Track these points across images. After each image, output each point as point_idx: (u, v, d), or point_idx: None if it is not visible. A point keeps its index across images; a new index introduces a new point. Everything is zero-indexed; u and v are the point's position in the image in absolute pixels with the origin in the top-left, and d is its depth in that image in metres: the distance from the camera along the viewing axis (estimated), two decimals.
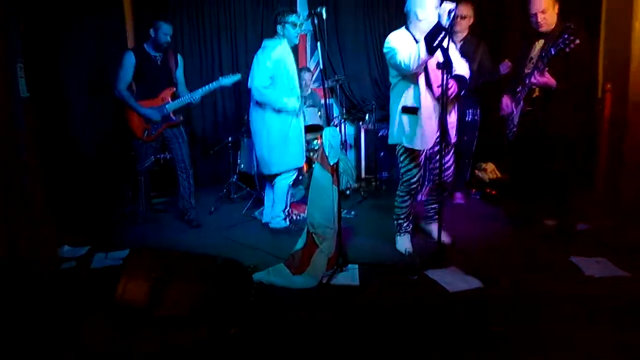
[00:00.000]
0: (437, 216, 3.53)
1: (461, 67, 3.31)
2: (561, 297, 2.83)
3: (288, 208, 4.22)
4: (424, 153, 3.37)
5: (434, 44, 2.91)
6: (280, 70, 3.87)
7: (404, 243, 3.62)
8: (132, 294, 2.55)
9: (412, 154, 3.34)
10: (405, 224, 3.64)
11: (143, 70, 4.14)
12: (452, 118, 3.36)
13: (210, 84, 4.27)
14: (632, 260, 3.22)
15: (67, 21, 4.29)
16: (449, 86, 3.06)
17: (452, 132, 3.38)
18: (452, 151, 3.47)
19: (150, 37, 4.15)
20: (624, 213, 3.71)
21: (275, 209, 4.20)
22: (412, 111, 3.25)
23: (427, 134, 3.24)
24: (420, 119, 3.21)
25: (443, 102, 3.07)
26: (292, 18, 3.86)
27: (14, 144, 3.05)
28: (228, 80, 4.28)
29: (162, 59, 4.23)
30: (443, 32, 2.88)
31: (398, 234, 3.67)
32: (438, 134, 3.24)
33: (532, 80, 3.53)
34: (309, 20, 3.28)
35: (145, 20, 5.33)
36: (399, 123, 3.34)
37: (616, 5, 3.70)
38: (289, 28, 3.86)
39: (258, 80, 3.84)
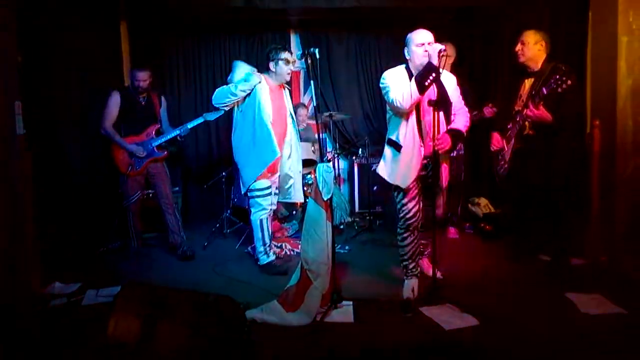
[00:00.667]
0: (427, 251, 3.58)
1: (460, 119, 3.30)
2: (557, 334, 2.81)
3: (268, 243, 4.06)
4: (417, 188, 3.31)
5: (425, 83, 2.96)
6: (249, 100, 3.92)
7: (408, 289, 3.41)
8: (123, 331, 2.50)
9: (408, 188, 3.30)
10: (411, 266, 3.45)
11: (128, 109, 4.33)
12: (445, 162, 3.38)
13: (195, 120, 4.46)
14: (627, 295, 3.21)
15: (64, 58, 4.37)
16: (442, 142, 3.09)
17: (446, 174, 3.41)
18: (442, 192, 3.47)
19: (131, 81, 4.39)
20: (618, 247, 3.72)
21: (256, 245, 4.11)
22: (395, 146, 3.27)
23: (405, 172, 3.22)
24: (400, 156, 3.23)
25: (434, 149, 3.11)
26: (284, 55, 3.90)
27: (9, 181, 3.05)
28: (211, 115, 4.45)
29: (146, 99, 4.42)
30: (434, 72, 2.94)
31: (405, 277, 3.50)
32: (417, 173, 3.24)
33: (528, 113, 3.56)
34: (303, 60, 3.34)
35: (141, 61, 5.43)
36: (384, 156, 3.38)
37: (602, 45, 3.80)
38: (281, 64, 3.89)
39: (216, 92, 3.94)
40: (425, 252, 3.68)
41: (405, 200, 3.31)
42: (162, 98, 4.58)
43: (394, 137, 3.27)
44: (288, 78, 4.01)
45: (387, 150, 3.35)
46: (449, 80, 3.26)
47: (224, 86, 3.92)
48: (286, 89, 4.18)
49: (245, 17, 5.68)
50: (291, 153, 4.14)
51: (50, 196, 4.03)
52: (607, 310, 3.06)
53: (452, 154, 4.42)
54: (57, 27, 4.26)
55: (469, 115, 3.38)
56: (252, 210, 4.07)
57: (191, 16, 5.72)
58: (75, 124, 4.54)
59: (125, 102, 4.30)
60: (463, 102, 3.38)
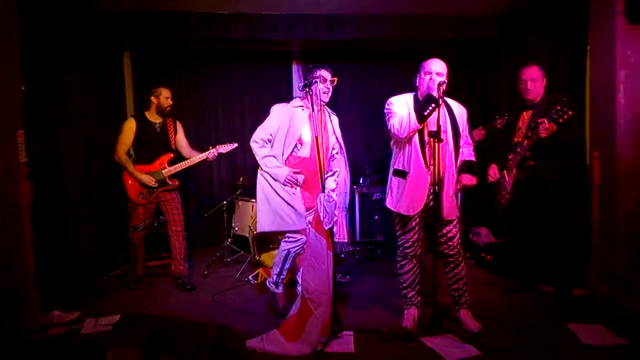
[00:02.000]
0: (463, 299, 3.33)
1: (466, 150, 3.35)
2: None
3: (283, 275, 3.72)
4: (418, 218, 3.29)
5: (424, 114, 3.00)
6: (279, 129, 3.54)
7: (408, 318, 3.36)
8: None
9: (404, 218, 3.28)
10: (410, 295, 3.40)
11: (143, 137, 4.27)
12: (450, 192, 3.23)
13: (209, 153, 4.38)
14: (629, 327, 3.20)
15: (67, 88, 4.45)
16: (465, 180, 3.19)
17: (451, 205, 3.24)
18: (453, 223, 3.28)
19: (151, 104, 4.31)
20: (619, 279, 3.71)
21: (272, 269, 3.79)
22: (401, 175, 3.24)
23: (413, 200, 3.17)
24: (407, 184, 3.18)
25: (434, 173, 3.07)
26: (319, 72, 3.52)
27: (9, 209, 3.07)
28: (225, 148, 4.45)
29: (161, 126, 4.37)
30: (433, 104, 2.98)
31: (405, 306, 3.45)
32: (427, 202, 3.19)
33: (541, 127, 3.49)
34: (304, 92, 3.38)
35: (144, 88, 5.53)
36: (390, 186, 3.35)
37: (600, 78, 3.86)
38: (318, 83, 3.45)
39: (258, 132, 3.58)
40: (462, 301, 3.36)
41: (405, 229, 3.31)
42: (178, 123, 4.52)
43: (399, 167, 3.26)
44: (325, 99, 3.55)
45: (394, 180, 3.30)
46: (461, 112, 3.32)
47: (266, 136, 3.54)
48: (332, 115, 3.75)
49: (248, 48, 5.79)
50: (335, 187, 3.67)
51: (50, 224, 4.04)
52: (609, 342, 3.04)
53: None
54: (60, 58, 4.33)
55: (473, 150, 3.41)
56: (285, 239, 3.65)
57: (194, 47, 5.82)
58: (77, 153, 4.57)
59: (140, 129, 4.26)
60: (468, 135, 3.42)
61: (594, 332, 3.17)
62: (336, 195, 3.55)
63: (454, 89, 4.64)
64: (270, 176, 3.51)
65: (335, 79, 3.56)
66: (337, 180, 3.67)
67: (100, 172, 4.76)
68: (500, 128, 4.32)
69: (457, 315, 3.36)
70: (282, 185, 3.50)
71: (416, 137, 3.16)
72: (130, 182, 4.26)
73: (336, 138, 3.68)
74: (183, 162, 4.38)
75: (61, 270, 4.07)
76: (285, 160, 3.52)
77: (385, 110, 3.27)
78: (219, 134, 6.17)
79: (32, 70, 3.85)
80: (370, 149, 6.45)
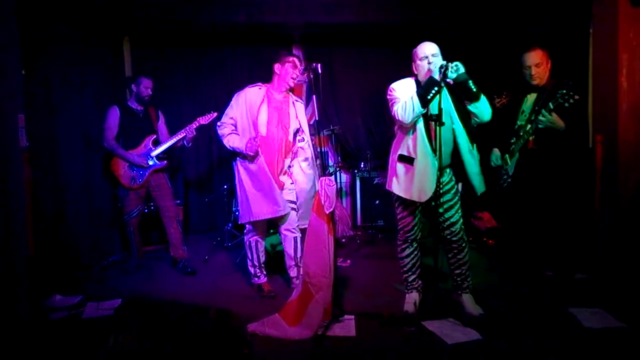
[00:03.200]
0: (465, 284, 3.32)
1: None
2: (560, 349, 2.79)
3: (257, 265, 3.83)
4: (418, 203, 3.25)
5: (428, 97, 2.94)
6: (245, 111, 3.69)
7: (409, 302, 3.37)
8: (124, 346, 2.50)
9: (405, 202, 3.25)
10: (410, 279, 3.40)
11: (127, 123, 4.37)
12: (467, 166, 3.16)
13: (190, 126, 4.43)
14: (630, 310, 3.20)
15: (66, 72, 4.42)
16: None
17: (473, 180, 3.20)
18: (455, 208, 3.24)
19: (132, 92, 4.43)
20: (620, 262, 3.70)
21: (247, 263, 3.92)
22: (408, 161, 3.17)
23: (422, 186, 3.09)
24: (414, 170, 3.12)
25: (439, 157, 3.01)
26: (292, 58, 3.71)
27: (9, 194, 3.05)
28: (205, 118, 4.49)
29: (144, 112, 4.47)
30: (436, 86, 2.93)
31: (405, 290, 3.45)
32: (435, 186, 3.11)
33: (540, 117, 3.54)
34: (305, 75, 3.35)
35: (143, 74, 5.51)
36: (395, 171, 3.27)
37: (603, 62, 3.83)
38: (288, 67, 3.67)
39: (222, 117, 3.78)
40: (464, 285, 3.34)
41: (405, 213, 3.29)
42: (159, 112, 4.62)
43: (405, 152, 3.18)
44: (292, 84, 3.72)
45: (399, 167, 3.21)
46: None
47: (228, 120, 3.75)
48: (297, 102, 3.86)
49: (248, 31, 5.73)
50: (294, 179, 3.80)
51: (51, 209, 4.03)
52: (610, 325, 3.05)
53: None
54: (60, 42, 4.31)
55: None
56: (245, 231, 3.87)
57: (193, 31, 5.77)
58: (77, 138, 4.56)
59: (124, 116, 4.35)
60: None
61: (595, 316, 3.17)
62: (304, 184, 3.75)
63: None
64: (236, 152, 3.69)
65: (302, 68, 3.69)
66: (305, 169, 3.79)
67: (98, 157, 4.75)
68: (499, 107, 4.25)
69: (459, 300, 3.35)
70: (250, 168, 3.65)
71: (421, 123, 3.10)
72: (120, 168, 4.33)
73: (300, 125, 3.80)
74: (168, 141, 4.45)
75: (62, 255, 4.08)
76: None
77: (387, 97, 3.21)
78: (219, 118, 6.12)
79: (32, 55, 3.83)
80: (371, 133, 6.41)
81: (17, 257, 3.13)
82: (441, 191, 3.15)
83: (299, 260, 3.78)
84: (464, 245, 3.28)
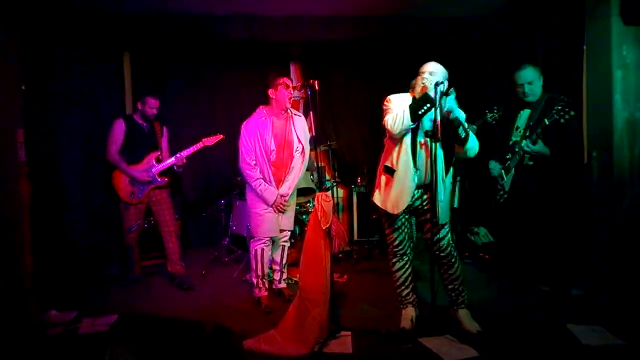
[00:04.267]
0: (460, 299, 3.32)
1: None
2: None
3: (261, 276, 3.89)
4: (403, 218, 3.28)
5: (419, 112, 2.97)
6: (258, 144, 3.80)
7: (405, 318, 3.35)
8: None
9: (390, 216, 3.29)
10: (404, 293, 3.39)
11: (131, 137, 4.36)
12: (440, 196, 3.15)
13: (195, 146, 4.50)
14: (628, 327, 3.20)
15: (67, 87, 4.45)
16: None
17: (443, 210, 3.18)
18: (443, 226, 3.23)
19: (138, 109, 4.42)
20: (617, 278, 3.71)
21: (251, 275, 4.01)
22: (389, 172, 3.23)
23: (398, 199, 3.16)
24: (394, 182, 3.17)
25: (425, 176, 3.10)
26: (282, 79, 3.76)
27: (7, 209, 3.06)
28: (210, 140, 4.56)
29: (149, 127, 4.47)
30: (429, 104, 2.96)
31: (400, 305, 3.43)
32: (413, 202, 3.19)
33: (525, 148, 3.61)
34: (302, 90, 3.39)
35: (142, 91, 5.54)
36: (378, 181, 3.36)
37: (597, 78, 3.87)
38: (281, 89, 3.74)
39: (242, 159, 3.84)
40: (459, 301, 3.34)
41: (390, 230, 3.34)
42: (165, 128, 4.62)
43: (389, 164, 3.24)
44: (289, 104, 3.83)
45: (382, 177, 3.31)
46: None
47: (252, 159, 3.82)
48: (295, 115, 3.96)
49: (248, 47, 5.77)
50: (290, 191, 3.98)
51: (48, 223, 4.03)
52: (608, 342, 3.04)
53: None
54: (60, 57, 4.36)
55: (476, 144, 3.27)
56: (253, 239, 3.97)
57: (193, 48, 5.81)
58: (76, 152, 4.58)
59: (129, 129, 4.35)
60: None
61: (593, 333, 3.16)
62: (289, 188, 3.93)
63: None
64: (258, 196, 3.84)
65: (296, 86, 3.83)
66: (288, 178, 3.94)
67: (98, 171, 4.76)
68: (491, 122, 4.25)
69: (456, 316, 3.34)
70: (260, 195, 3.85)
71: (408, 137, 3.14)
72: (120, 182, 4.33)
73: (297, 139, 3.92)
74: (167, 161, 4.45)
75: (59, 270, 4.06)
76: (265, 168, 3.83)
77: (382, 106, 3.26)
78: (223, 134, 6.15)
79: (33, 70, 3.86)
80: (367, 147, 6.44)
81: (15, 273, 3.13)
82: (425, 207, 3.20)
83: (284, 266, 4.14)
84: (453, 260, 3.28)
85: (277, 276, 4.15)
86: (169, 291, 4.34)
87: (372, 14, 4.99)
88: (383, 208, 3.27)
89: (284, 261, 4.15)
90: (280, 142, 3.87)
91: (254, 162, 3.81)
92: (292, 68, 6.39)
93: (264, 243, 3.91)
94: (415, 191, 3.17)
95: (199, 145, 4.49)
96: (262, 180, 3.82)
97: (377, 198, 3.34)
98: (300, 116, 4.01)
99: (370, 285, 4.42)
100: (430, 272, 3.17)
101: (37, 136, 3.83)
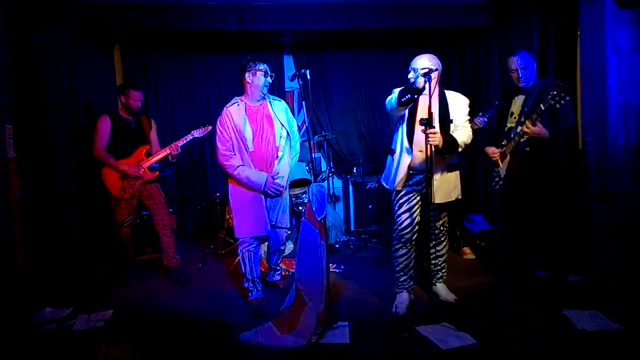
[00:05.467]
0: (440, 274, 3.65)
1: (459, 133, 3.31)
2: (554, 352, 2.79)
3: (251, 279, 3.69)
4: (414, 200, 3.39)
5: (402, 99, 3.09)
6: (234, 133, 3.57)
7: (399, 303, 3.44)
8: (115, 358, 2.48)
9: (401, 198, 3.39)
10: (402, 279, 3.47)
11: (118, 133, 4.29)
12: (437, 177, 3.34)
13: (185, 138, 4.39)
14: (624, 311, 3.20)
15: (57, 80, 4.39)
16: (433, 135, 3.08)
17: (442, 190, 3.36)
18: (441, 207, 3.45)
19: (122, 103, 4.36)
20: (613, 263, 3.71)
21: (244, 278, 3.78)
22: (391, 153, 3.49)
23: (394, 176, 3.39)
24: (395, 161, 3.40)
25: (427, 157, 3.14)
26: (262, 65, 3.58)
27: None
28: (199, 133, 4.46)
29: (135, 122, 4.40)
30: (410, 93, 3.06)
31: (396, 290, 3.52)
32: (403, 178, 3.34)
33: (525, 129, 3.55)
34: (295, 80, 3.35)
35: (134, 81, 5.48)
36: (385, 163, 3.57)
37: (590, 63, 3.84)
38: (259, 75, 3.55)
39: (220, 150, 3.59)
40: (438, 275, 3.68)
41: (400, 211, 3.41)
42: (152, 121, 4.56)
43: (392, 145, 3.49)
44: (265, 91, 3.63)
45: (388, 159, 3.54)
46: (460, 101, 3.40)
47: (230, 151, 3.57)
48: (274, 101, 3.74)
49: (239, 38, 5.72)
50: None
51: (41, 219, 4.00)
52: (604, 327, 3.05)
53: None
54: (50, 50, 4.28)
55: (470, 138, 3.39)
56: (239, 241, 3.72)
57: (184, 39, 5.76)
58: (68, 147, 4.53)
59: (115, 125, 4.28)
60: (469, 124, 3.44)
61: (589, 318, 3.17)
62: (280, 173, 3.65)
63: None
64: (247, 185, 3.55)
65: (273, 74, 3.70)
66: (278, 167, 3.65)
67: (90, 165, 4.71)
68: (480, 126, 4.28)
69: (435, 289, 3.65)
70: (243, 190, 3.60)
71: (405, 122, 3.36)
72: (110, 178, 4.27)
73: (280, 124, 3.67)
74: (161, 151, 4.38)
75: (53, 266, 4.04)
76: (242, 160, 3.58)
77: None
78: (212, 124, 6.10)
79: (21, 64, 3.80)
80: (363, 138, 6.43)
81: (6, 270, 3.10)
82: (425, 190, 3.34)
83: (277, 265, 4.11)
84: (442, 238, 3.59)
85: (270, 272, 4.11)
86: (164, 285, 4.32)
87: (364, 1, 4.93)
88: (387, 186, 3.50)
89: (279, 261, 4.10)
90: (255, 132, 3.60)
91: (232, 152, 3.56)
92: (285, 57, 6.35)
93: (250, 245, 3.66)
94: (419, 176, 3.37)
95: (188, 137, 4.40)
96: (244, 167, 3.53)
97: (385, 178, 3.56)
98: (279, 101, 3.78)
99: (367, 275, 4.41)
100: (427, 257, 3.22)
101: (30, 133, 3.78)
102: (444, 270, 3.67)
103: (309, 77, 3.20)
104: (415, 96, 3.11)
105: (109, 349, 2.45)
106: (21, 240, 3.29)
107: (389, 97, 3.36)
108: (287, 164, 3.70)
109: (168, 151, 4.34)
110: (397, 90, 3.31)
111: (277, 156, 3.66)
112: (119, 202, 4.29)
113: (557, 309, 3.32)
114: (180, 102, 6.13)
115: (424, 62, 3.26)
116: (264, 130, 3.63)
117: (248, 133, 3.58)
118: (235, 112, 3.60)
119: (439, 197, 3.35)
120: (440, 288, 3.67)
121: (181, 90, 6.16)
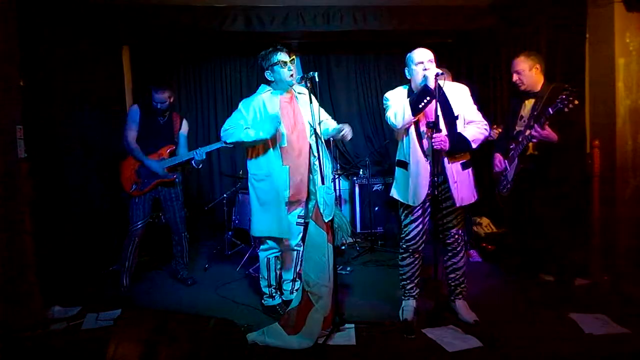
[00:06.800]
0: (459, 289, 3.35)
1: (471, 128, 3.18)
2: (561, 355, 2.78)
3: (274, 285, 3.61)
4: (421, 209, 3.24)
5: (419, 106, 2.99)
6: (255, 117, 3.38)
7: (405, 310, 3.36)
8: (123, 356, 2.49)
9: (407, 208, 3.28)
10: (408, 286, 3.40)
11: (146, 126, 4.16)
12: (456, 179, 3.17)
13: (213, 144, 4.20)
14: (631, 315, 3.19)
15: (66, 82, 4.42)
16: (439, 140, 3.02)
17: (462, 193, 3.18)
18: (454, 213, 3.25)
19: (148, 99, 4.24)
20: (621, 267, 3.70)
21: (260, 284, 3.66)
22: (403, 165, 3.26)
23: (416, 190, 3.15)
24: (409, 174, 3.19)
25: (432, 160, 3.09)
26: (277, 56, 3.37)
27: (10, 206, 3.07)
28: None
29: (165, 119, 4.26)
30: (429, 96, 2.97)
31: (402, 297, 3.45)
32: (427, 190, 3.15)
33: (533, 133, 3.53)
34: (303, 83, 3.35)
35: (143, 85, 5.51)
36: (396, 179, 3.36)
37: (599, 67, 3.84)
38: (278, 69, 3.37)
39: (226, 123, 3.43)
40: (457, 291, 3.38)
41: (408, 221, 3.30)
42: (184, 121, 4.42)
43: (401, 157, 3.28)
44: (292, 82, 3.41)
45: (397, 171, 3.34)
46: (459, 91, 3.22)
47: (237, 123, 3.37)
48: (300, 94, 3.55)
49: (246, 40, 5.74)
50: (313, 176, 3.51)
51: (51, 219, 4.02)
52: (611, 331, 3.03)
53: None
54: (59, 52, 4.31)
55: (486, 128, 3.23)
56: (261, 246, 3.64)
57: (192, 41, 5.78)
58: (77, 148, 4.55)
59: (144, 117, 4.15)
60: (480, 113, 3.27)
61: (596, 322, 3.16)
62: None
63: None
64: (256, 141, 3.30)
65: (293, 56, 3.43)
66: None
67: (99, 166, 4.74)
68: (494, 137, 4.18)
69: (453, 306, 3.37)
70: (262, 188, 3.42)
71: (412, 128, 3.16)
72: (125, 171, 4.14)
73: (308, 122, 3.46)
74: (181, 155, 4.24)
75: (62, 265, 4.07)
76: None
77: (383, 106, 3.31)
78: (218, 127, 6.15)
79: (31, 65, 3.82)
80: (369, 140, 6.44)
81: (19, 269, 3.13)
82: (443, 196, 3.18)
83: (297, 273, 3.68)
84: (459, 249, 3.30)
85: (287, 287, 3.72)
86: (172, 285, 4.34)
87: (370, 4, 4.95)
88: (404, 202, 3.26)
89: (299, 267, 3.62)
90: (288, 125, 3.39)
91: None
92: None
93: (271, 248, 3.55)
94: (434, 179, 3.09)
95: (217, 144, 4.10)
96: (246, 129, 3.31)
97: (396, 192, 3.33)
98: (304, 94, 3.51)
99: (373, 277, 4.42)
100: (434, 263, 3.19)
101: (38, 133, 3.80)
102: (463, 285, 3.36)
103: (317, 79, 3.20)
104: (432, 99, 2.97)
105: (118, 346, 2.47)
106: (32, 240, 3.31)
107: (389, 113, 3.16)
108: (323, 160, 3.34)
109: (193, 157, 4.13)
110: (392, 102, 3.19)
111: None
112: (134, 202, 4.15)
113: (564, 313, 3.31)
114: (187, 106, 6.15)
115: (429, 54, 3.12)
116: (295, 126, 3.44)
117: (282, 128, 3.37)
118: (267, 99, 3.42)
119: (462, 200, 3.18)
120: (461, 306, 3.35)
121: (188, 93, 6.20)
